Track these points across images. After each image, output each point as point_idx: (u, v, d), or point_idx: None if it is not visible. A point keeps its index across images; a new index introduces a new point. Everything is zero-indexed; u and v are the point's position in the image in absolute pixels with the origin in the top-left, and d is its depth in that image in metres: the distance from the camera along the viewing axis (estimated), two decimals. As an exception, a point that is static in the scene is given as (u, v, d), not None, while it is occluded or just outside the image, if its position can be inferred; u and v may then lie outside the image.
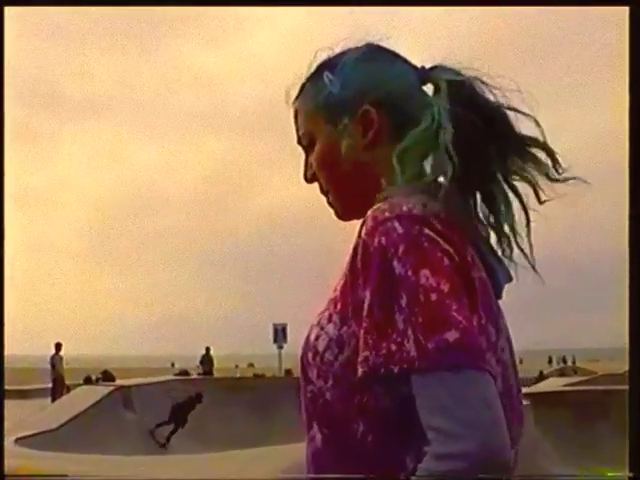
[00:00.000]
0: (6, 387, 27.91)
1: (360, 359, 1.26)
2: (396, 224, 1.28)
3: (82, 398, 17.87)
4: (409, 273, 1.24)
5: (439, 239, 1.29)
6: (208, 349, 31.30)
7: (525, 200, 1.48)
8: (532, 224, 1.47)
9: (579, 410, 16.36)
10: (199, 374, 29.88)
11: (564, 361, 67.87)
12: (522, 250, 1.47)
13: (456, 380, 1.19)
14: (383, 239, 1.27)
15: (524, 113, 1.46)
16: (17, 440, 13.24)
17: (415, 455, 1.25)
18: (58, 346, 23.96)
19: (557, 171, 1.47)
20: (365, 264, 1.29)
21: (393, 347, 1.23)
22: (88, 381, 25.35)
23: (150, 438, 17.15)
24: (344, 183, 1.51)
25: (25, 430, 14.24)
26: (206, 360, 30.95)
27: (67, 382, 24.65)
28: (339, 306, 1.34)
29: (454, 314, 1.22)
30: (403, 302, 1.23)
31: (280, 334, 29.63)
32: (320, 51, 1.55)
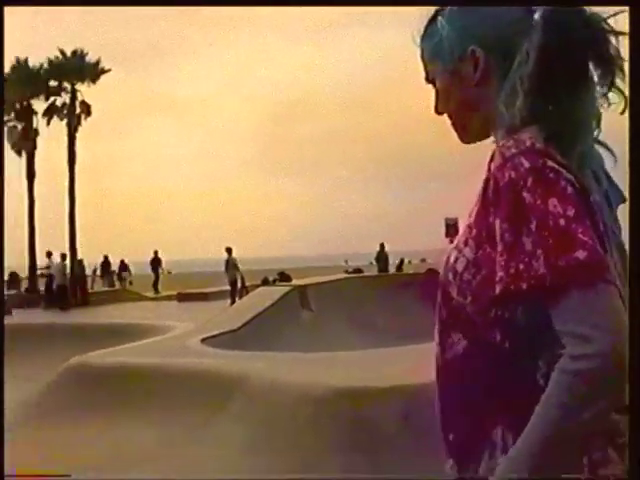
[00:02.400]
0: (188, 290, 29.30)
1: (497, 279, 1.43)
2: (522, 159, 1.43)
3: (260, 299, 18.60)
4: (538, 202, 1.40)
5: (561, 169, 1.44)
6: (382, 246, 31.63)
7: None
8: None
9: None
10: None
11: None
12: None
13: (588, 292, 1.36)
14: (512, 173, 1.43)
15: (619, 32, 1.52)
16: (202, 340, 14.03)
17: (547, 359, 1.44)
18: (229, 250, 24.99)
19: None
20: (496, 196, 1.45)
21: (521, 266, 1.39)
22: (266, 282, 26.23)
23: (326, 336, 17.65)
24: (461, 116, 1.67)
25: (208, 331, 15.04)
26: (381, 257, 31.31)
27: (246, 284, 25.69)
28: (474, 232, 1.52)
29: (580, 236, 1.38)
30: (532, 227, 1.39)
31: (451, 228, 29.46)
32: None
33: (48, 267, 30.87)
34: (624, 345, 1.34)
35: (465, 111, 1.64)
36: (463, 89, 1.62)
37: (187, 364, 11.79)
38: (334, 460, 7.88)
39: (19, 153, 35.77)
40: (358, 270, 33.37)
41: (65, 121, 36.06)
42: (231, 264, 24.83)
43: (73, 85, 36.22)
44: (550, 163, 1.43)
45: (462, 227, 1.58)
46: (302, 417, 8.58)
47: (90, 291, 32.36)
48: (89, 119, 36.66)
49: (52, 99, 36.40)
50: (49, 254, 31.42)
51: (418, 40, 1.70)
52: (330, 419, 8.25)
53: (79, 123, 36.35)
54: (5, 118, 35.63)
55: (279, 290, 19.88)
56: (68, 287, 29.28)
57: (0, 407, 3.74)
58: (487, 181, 1.48)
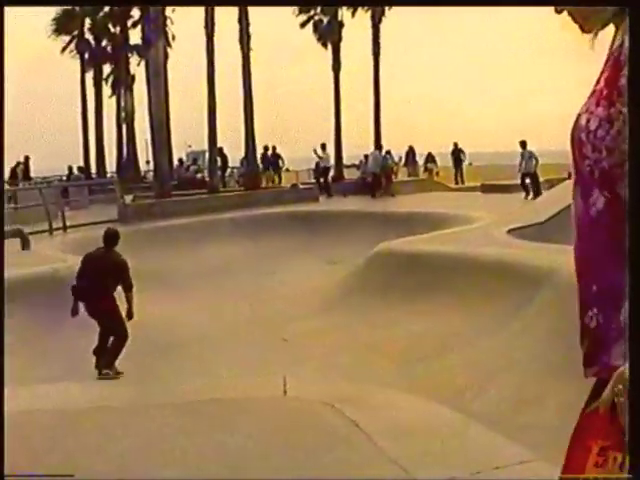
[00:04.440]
0: (491, 182, 28.80)
1: None
2: None
3: (567, 192, 18.04)
4: None
5: None
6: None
7: None
8: None
9: None
10: None
11: None
12: None
13: None
14: None
15: None
16: (509, 231, 14.02)
17: None
18: (523, 143, 24.47)
19: None
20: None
21: None
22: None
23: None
24: (578, 11, 1.76)
25: (514, 222, 15.00)
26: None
27: (542, 178, 25.07)
28: (604, 92, 1.59)
29: None
30: None
31: None
32: None
33: (321, 158, 32.08)
34: None
35: (582, 6, 1.73)
36: None
37: (495, 254, 11.87)
38: None
39: (325, 46, 36.84)
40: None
41: (369, 13, 36.56)
42: (527, 157, 24.21)
43: (379, -25, 36.44)
44: None
45: (590, 94, 1.63)
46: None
47: (395, 180, 33.06)
48: (392, 9, 36.94)
49: (358, -9, 36.89)
50: (323, 146, 32.50)
51: None
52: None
53: (383, 14, 36.74)
54: (311, 12, 36.85)
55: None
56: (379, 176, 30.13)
57: (0, 407, 3.98)
58: (619, 48, 1.55)
